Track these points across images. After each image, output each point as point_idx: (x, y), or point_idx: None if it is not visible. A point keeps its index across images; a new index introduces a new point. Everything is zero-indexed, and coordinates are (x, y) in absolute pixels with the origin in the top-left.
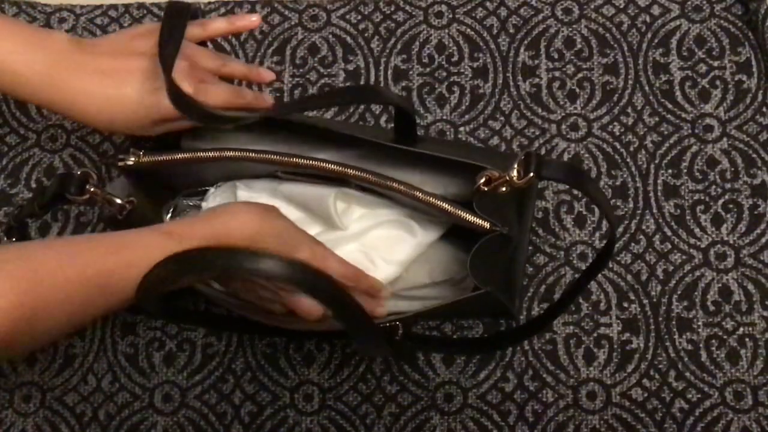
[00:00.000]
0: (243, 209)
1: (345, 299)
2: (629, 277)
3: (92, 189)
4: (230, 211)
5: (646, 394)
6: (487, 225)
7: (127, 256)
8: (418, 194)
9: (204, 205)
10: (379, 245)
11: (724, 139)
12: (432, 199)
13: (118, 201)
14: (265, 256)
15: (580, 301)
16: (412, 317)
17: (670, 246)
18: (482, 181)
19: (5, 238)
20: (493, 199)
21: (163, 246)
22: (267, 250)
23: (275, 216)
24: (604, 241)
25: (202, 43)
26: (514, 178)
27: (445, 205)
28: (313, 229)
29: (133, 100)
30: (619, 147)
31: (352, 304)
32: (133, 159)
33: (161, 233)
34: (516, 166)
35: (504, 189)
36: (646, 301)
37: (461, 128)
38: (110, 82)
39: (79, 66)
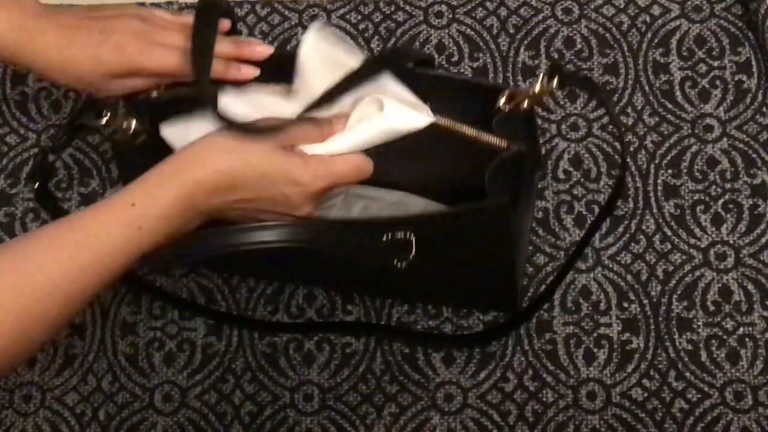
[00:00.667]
0: (211, 153)
1: (347, 242)
2: (629, 277)
3: (110, 113)
4: (198, 158)
5: (646, 394)
6: (505, 144)
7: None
8: (436, 116)
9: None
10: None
11: (724, 139)
12: (451, 121)
13: (135, 125)
14: (260, 229)
15: (580, 301)
16: (417, 217)
17: (670, 246)
18: (503, 99)
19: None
20: (511, 121)
21: (125, 223)
22: (249, 196)
23: (252, 152)
24: (605, 241)
25: None
26: (536, 91)
27: (464, 128)
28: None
29: (80, 54)
30: (619, 147)
31: (352, 240)
32: (156, 92)
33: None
34: (540, 78)
35: (525, 106)
36: (646, 301)
37: None
38: (64, 38)
39: (45, 24)
